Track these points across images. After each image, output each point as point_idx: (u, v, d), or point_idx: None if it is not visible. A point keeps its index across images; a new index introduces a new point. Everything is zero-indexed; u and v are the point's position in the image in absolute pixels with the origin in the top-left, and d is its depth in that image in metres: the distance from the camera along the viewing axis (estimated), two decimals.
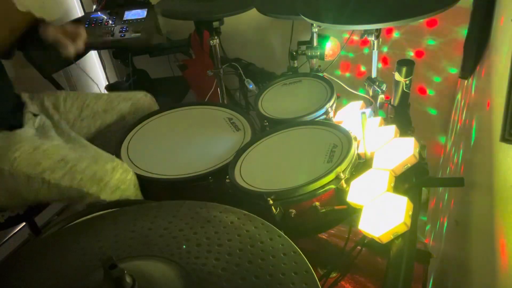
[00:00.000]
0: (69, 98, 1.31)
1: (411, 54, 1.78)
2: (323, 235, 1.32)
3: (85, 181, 1.01)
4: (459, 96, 1.62)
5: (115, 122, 1.35)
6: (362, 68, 1.96)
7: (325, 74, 1.48)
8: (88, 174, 1.01)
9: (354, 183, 0.98)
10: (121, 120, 1.36)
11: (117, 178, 1.03)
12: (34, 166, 1.01)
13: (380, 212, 0.89)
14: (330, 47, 1.62)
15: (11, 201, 1.09)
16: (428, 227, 1.76)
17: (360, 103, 1.33)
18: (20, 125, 1.11)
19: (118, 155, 1.20)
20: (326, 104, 1.26)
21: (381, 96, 1.34)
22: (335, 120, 1.30)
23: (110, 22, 1.85)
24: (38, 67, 1.76)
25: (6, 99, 1.13)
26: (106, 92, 2.18)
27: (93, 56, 2.32)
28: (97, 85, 2.33)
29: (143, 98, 1.42)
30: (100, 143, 1.23)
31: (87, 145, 1.14)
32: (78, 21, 1.93)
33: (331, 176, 0.96)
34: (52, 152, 1.04)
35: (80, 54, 2.07)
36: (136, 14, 1.86)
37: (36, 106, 1.23)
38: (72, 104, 1.30)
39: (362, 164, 1.06)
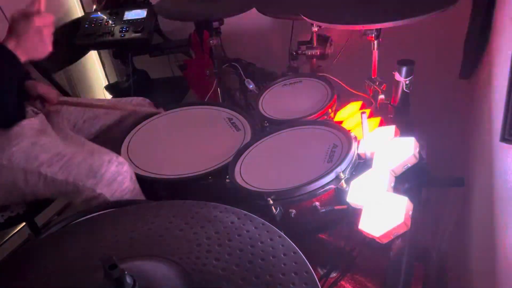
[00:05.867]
0: (70, 101, 1.33)
1: (410, 54, 1.77)
2: (323, 235, 1.32)
3: (81, 175, 1.01)
4: (459, 96, 1.62)
5: (114, 124, 1.36)
6: (362, 68, 1.95)
7: (325, 74, 1.48)
8: (83, 167, 1.02)
9: (354, 183, 0.98)
10: (121, 123, 1.38)
11: (112, 170, 1.03)
12: (32, 160, 1.02)
13: (380, 212, 0.89)
14: (330, 47, 1.62)
15: (9, 196, 1.09)
16: (428, 227, 1.76)
17: (360, 103, 1.33)
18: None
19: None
20: (326, 104, 1.26)
21: (381, 96, 1.34)
22: (335, 120, 1.30)
23: (110, 22, 1.85)
24: (38, 67, 1.76)
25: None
26: (105, 91, 2.19)
27: (93, 56, 2.32)
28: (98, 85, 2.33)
29: (141, 103, 1.44)
30: (100, 144, 1.22)
31: (85, 142, 1.15)
32: (76, 22, 1.93)
33: (331, 176, 0.96)
34: (50, 146, 1.05)
35: (80, 54, 2.08)
36: (136, 14, 1.86)
37: (38, 105, 1.23)
38: (75, 108, 1.32)
39: (362, 164, 1.06)
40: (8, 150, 1.02)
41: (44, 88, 1.22)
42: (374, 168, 1.01)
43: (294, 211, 0.96)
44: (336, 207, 0.98)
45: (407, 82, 1.23)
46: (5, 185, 1.05)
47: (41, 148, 1.04)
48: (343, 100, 1.36)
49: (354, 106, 1.32)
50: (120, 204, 0.95)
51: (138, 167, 1.16)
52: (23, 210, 1.16)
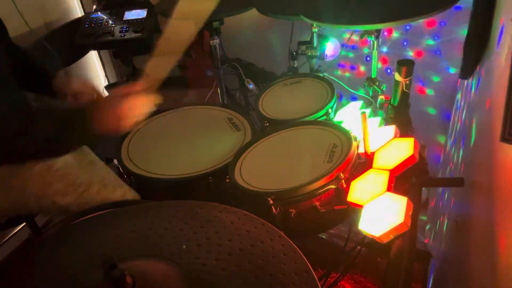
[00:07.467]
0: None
1: (410, 54, 1.78)
2: (323, 235, 1.32)
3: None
4: (459, 96, 1.62)
5: None
6: (362, 68, 1.96)
7: (325, 74, 1.48)
8: (97, 200, 1.02)
9: (354, 183, 0.98)
10: None
11: None
12: (46, 187, 1.00)
13: (380, 212, 0.89)
14: (330, 47, 1.62)
15: (16, 212, 1.09)
16: (428, 227, 1.76)
17: (360, 103, 1.33)
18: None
19: (118, 155, 1.20)
20: (326, 104, 1.26)
21: (381, 96, 1.34)
22: (335, 120, 1.30)
23: (110, 22, 1.85)
24: (37, 67, 1.76)
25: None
26: (105, 91, 2.19)
27: (93, 56, 2.32)
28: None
29: None
30: (100, 142, 1.22)
31: (94, 160, 1.13)
32: (76, 22, 1.93)
33: (331, 176, 0.96)
34: (64, 172, 1.03)
35: (80, 54, 2.08)
36: (136, 14, 1.86)
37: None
38: None
39: (362, 164, 1.06)
40: (21, 174, 0.98)
41: (79, 83, 1.12)
42: (374, 168, 1.01)
43: (294, 211, 0.96)
44: (336, 207, 0.98)
45: (407, 82, 1.23)
46: (16, 206, 1.02)
47: (56, 174, 1.01)
48: (343, 100, 1.36)
49: (354, 106, 1.32)
50: (120, 204, 0.95)
51: (138, 167, 1.16)
52: None
